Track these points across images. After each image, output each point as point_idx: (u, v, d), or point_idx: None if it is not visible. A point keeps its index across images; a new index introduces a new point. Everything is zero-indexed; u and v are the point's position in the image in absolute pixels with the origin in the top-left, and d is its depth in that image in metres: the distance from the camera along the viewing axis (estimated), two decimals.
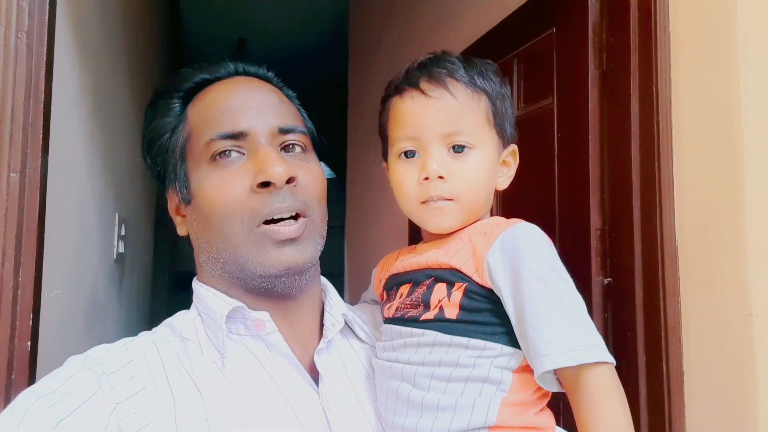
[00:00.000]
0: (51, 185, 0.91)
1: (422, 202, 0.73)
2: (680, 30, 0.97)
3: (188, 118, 0.73)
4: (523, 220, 0.71)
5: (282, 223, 0.68)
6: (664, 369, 0.92)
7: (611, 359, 0.62)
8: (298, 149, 0.74)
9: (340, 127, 3.05)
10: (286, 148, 0.72)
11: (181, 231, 0.76)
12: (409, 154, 0.73)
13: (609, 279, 1.04)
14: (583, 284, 0.95)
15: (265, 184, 0.67)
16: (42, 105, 0.81)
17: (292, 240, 0.68)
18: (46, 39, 0.81)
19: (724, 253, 0.88)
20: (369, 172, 2.60)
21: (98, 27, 1.38)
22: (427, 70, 0.74)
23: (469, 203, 0.72)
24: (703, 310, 0.91)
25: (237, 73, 0.77)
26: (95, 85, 1.36)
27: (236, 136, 0.69)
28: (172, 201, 0.76)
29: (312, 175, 0.73)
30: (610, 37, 1.07)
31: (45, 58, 0.81)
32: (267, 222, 0.68)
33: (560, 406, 0.66)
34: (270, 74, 0.79)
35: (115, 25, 1.59)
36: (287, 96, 0.79)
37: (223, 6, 3.37)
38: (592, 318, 0.65)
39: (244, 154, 0.70)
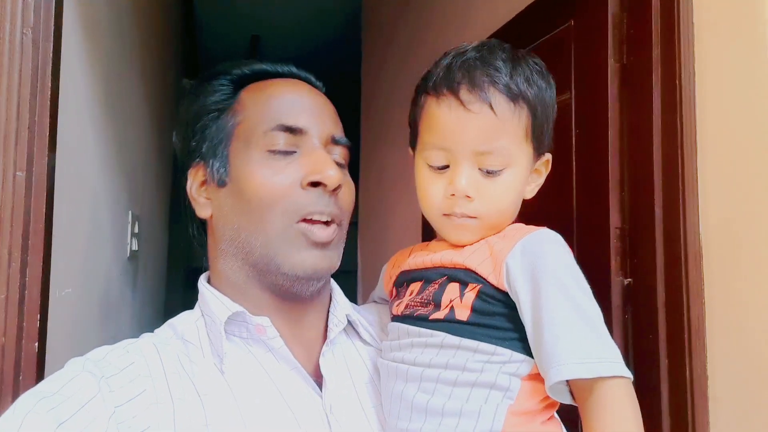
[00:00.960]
0: (60, 184, 0.91)
1: (445, 215, 0.71)
2: (704, 21, 0.94)
3: (242, 103, 0.73)
4: (545, 227, 0.69)
5: (318, 225, 0.69)
6: (688, 373, 0.89)
7: (629, 374, 0.60)
8: (342, 163, 0.75)
9: (353, 124, 3.03)
10: None
11: (204, 213, 0.74)
12: (438, 166, 0.71)
13: (629, 279, 1.01)
14: (602, 285, 0.92)
15: (316, 184, 0.69)
16: (48, 102, 0.80)
17: (324, 244, 0.69)
18: (52, 35, 0.80)
19: (750, 252, 0.85)
20: (382, 168, 2.58)
21: (109, 23, 1.37)
22: (470, 73, 0.68)
23: (493, 221, 0.70)
24: (729, 311, 0.88)
25: (297, 77, 0.78)
26: (106, 82, 1.35)
27: (294, 131, 0.70)
28: (196, 179, 0.75)
29: (349, 189, 0.75)
30: (631, 29, 1.04)
31: (51, 55, 0.80)
32: (305, 221, 0.68)
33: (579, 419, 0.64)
34: (322, 86, 0.81)
35: (126, 21, 1.58)
36: None
37: (236, 3, 3.37)
38: (611, 320, 0.63)
39: (297, 151, 0.71)
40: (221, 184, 0.71)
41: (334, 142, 0.74)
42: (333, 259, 0.71)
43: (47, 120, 0.79)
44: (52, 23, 0.80)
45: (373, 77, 2.86)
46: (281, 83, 0.75)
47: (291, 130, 0.70)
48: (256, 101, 0.73)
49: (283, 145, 0.70)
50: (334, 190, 0.70)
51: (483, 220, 0.69)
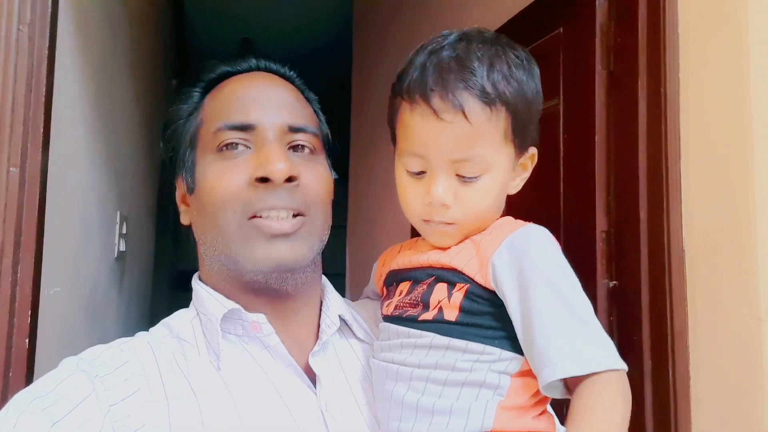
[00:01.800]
0: (51, 181, 0.91)
1: (425, 220, 0.70)
2: (689, 30, 0.96)
3: (203, 107, 0.73)
4: (531, 223, 0.69)
5: (274, 218, 0.66)
6: (670, 374, 0.91)
7: (623, 365, 0.59)
8: (306, 150, 0.72)
9: (343, 127, 3.04)
10: (294, 147, 0.71)
11: (184, 220, 0.75)
12: (415, 172, 0.70)
13: (614, 282, 1.03)
14: (587, 287, 0.93)
15: (263, 180, 0.66)
16: (43, 99, 0.80)
17: (284, 235, 0.66)
18: (48, 32, 0.80)
19: (732, 256, 0.87)
20: (371, 172, 2.59)
21: (101, 22, 1.37)
22: (443, 78, 0.65)
23: (473, 226, 0.70)
24: (711, 314, 0.90)
25: (258, 69, 0.76)
26: (97, 81, 1.35)
27: (244, 128, 0.69)
28: (180, 188, 0.75)
29: (316, 176, 0.71)
30: (618, 38, 1.06)
31: (47, 52, 0.80)
32: (258, 217, 0.67)
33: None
34: (292, 73, 0.78)
35: (118, 22, 1.58)
36: (307, 98, 0.78)
37: (227, 5, 3.37)
38: None
39: (250, 147, 0.69)
40: (190, 191, 0.71)
41: (293, 130, 0.71)
42: (300, 250, 0.68)
43: (42, 116, 0.79)
44: (48, 20, 0.80)
45: (364, 81, 2.87)
46: (236, 81, 0.74)
47: (240, 127, 0.69)
48: (212, 104, 0.72)
49: (235, 144, 0.69)
50: (290, 181, 0.67)
51: (462, 226, 0.69)
